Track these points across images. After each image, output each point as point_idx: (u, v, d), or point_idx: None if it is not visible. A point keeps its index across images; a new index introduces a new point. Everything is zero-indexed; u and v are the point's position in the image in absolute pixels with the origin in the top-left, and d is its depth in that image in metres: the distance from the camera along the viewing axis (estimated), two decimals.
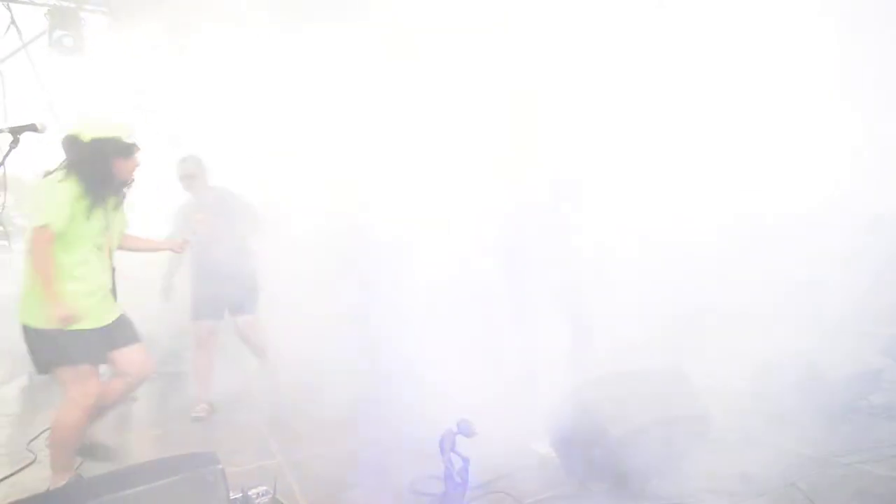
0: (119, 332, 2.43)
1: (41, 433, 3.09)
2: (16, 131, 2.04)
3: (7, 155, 2.07)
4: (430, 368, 3.24)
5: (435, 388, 3.07)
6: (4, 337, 3.11)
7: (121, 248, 2.61)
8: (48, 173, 2.35)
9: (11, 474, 2.74)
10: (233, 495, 1.95)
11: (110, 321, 2.40)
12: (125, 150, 2.36)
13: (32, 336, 2.24)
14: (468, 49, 4.83)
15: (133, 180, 2.49)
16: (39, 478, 2.58)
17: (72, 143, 2.30)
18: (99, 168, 2.28)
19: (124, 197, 2.51)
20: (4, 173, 2.06)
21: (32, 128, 2.11)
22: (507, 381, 3.29)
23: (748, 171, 4.98)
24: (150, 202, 4.05)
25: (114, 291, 2.60)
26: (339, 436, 3.14)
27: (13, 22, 5.36)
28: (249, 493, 2.17)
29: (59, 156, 2.39)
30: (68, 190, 2.23)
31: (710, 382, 2.78)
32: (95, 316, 2.32)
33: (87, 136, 2.28)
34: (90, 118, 2.43)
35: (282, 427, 3.35)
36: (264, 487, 2.29)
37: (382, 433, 3.06)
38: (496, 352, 3.60)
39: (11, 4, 5.34)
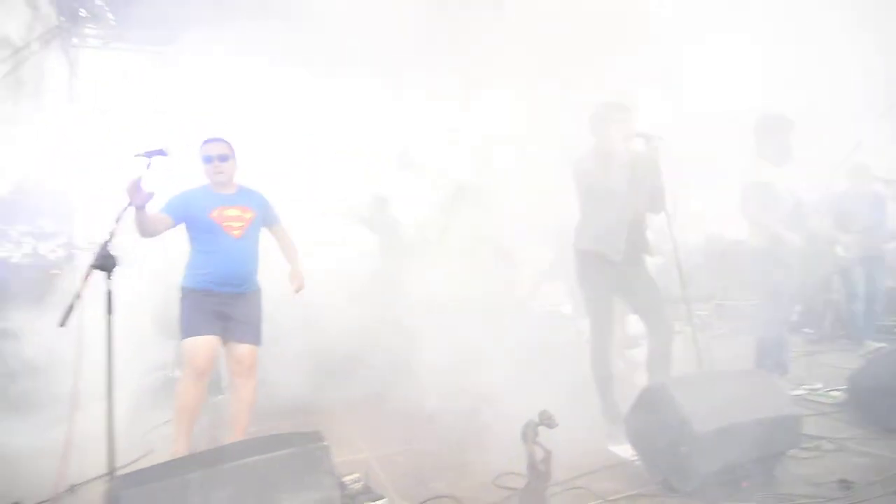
0: None
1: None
2: (150, 154, 2.38)
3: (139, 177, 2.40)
4: (506, 368, 3.33)
5: (511, 388, 3.16)
6: None
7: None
8: None
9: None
10: None
11: None
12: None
13: None
14: None
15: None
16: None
17: None
18: None
19: None
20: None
21: (161, 152, 2.47)
22: (582, 383, 3.31)
23: None
24: None
25: None
26: (422, 433, 3.28)
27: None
28: (344, 479, 2.35)
29: None
30: None
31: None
32: None
33: None
34: None
35: (367, 425, 3.52)
36: (357, 475, 2.46)
37: (464, 431, 3.16)
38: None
39: None
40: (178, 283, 2.84)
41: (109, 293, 2.00)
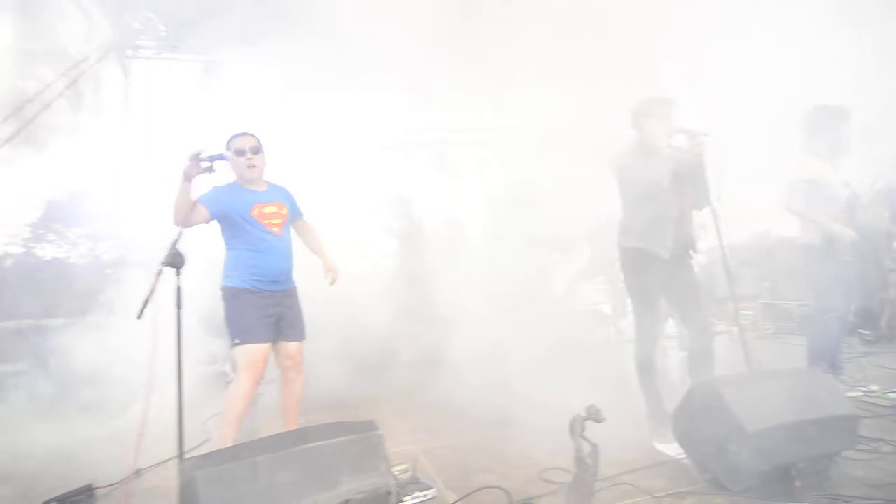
0: None
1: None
2: (213, 159, 2.53)
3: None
4: (544, 365, 3.36)
5: (550, 385, 3.19)
6: None
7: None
8: None
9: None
10: None
11: None
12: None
13: None
14: None
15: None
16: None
17: None
18: None
19: None
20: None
21: (222, 157, 2.62)
22: (622, 381, 3.31)
23: None
24: None
25: None
26: (466, 427, 3.34)
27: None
28: (393, 469, 2.43)
29: None
30: None
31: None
32: None
33: None
34: None
35: (409, 419, 3.61)
36: (405, 466, 2.55)
37: (505, 426, 3.21)
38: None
39: None
40: (220, 284, 2.80)
41: (179, 289, 2.14)
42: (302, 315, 2.98)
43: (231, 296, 2.75)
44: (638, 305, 3.02)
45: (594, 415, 2.07)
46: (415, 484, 2.43)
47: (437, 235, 5.46)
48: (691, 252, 3.02)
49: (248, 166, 2.78)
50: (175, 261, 2.12)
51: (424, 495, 2.36)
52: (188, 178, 2.44)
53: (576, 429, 2.07)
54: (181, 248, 2.15)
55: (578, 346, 5.49)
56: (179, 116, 6.99)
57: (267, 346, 2.75)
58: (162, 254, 2.11)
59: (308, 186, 3.69)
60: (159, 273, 2.06)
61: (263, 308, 2.75)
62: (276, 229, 2.84)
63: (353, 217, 5.31)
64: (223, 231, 2.80)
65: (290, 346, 2.89)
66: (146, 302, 1.96)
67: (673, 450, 2.68)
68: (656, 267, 2.87)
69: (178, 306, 2.13)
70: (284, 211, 2.91)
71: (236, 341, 2.69)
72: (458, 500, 2.24)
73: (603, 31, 4.78)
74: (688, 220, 3.00)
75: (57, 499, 2.48)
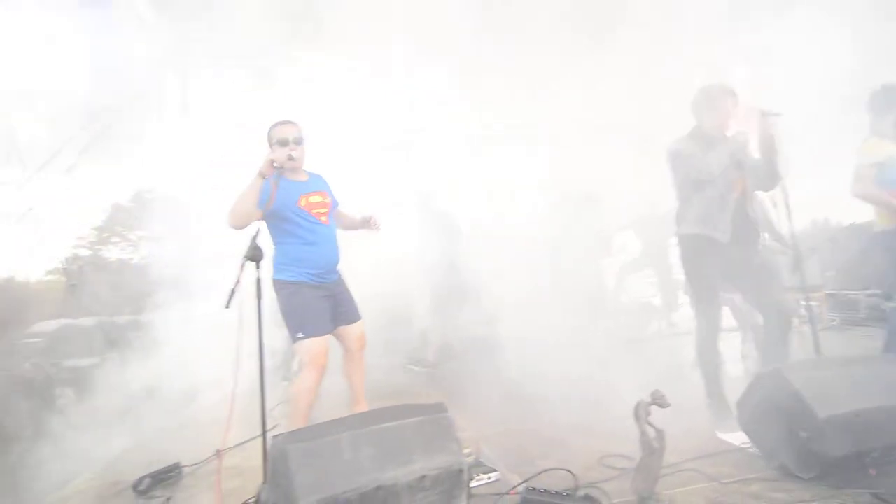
0: None
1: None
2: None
3: None
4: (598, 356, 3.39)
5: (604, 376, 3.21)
6: None
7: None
8: None
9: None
10: None
11: None
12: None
13: None
14: None
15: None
16: None
17: None
18: None
19: None
20: None
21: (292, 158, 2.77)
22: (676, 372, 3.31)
23: None
24: None
25: None
26: (522, 415, 3.42)
27: None
28: None
29: None
30: None
31: None
32: None
33: None
34: None
35: (466, 406, 3.70)
36: (468, 449, 2.63)
37: (561, 414, 3.26)
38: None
39: None
40: (273, 277, 2.77)
41: (259, 280, 2.30)
42: (353, 297, 3.01)
43: (289, 290, 2.73)
44: (699, 292, 3.00)
45: (659, 399, 2.10)
46: (479, 467, 2.52)
47: (487, 226, 5.53)
48: (758, 235, 2.98)
49: (291, 158, 2.69)
50: (255, 254, 2.27)
51: (489, 477, 2.45)
52: (262, 175, 2.53)
53: (641, 414, 2.10)
54: (259, 243, 2.30)
55: (631, 337, 5.47)
56: (233, 120, 7.35)
57: (328, 338, 2.80)
58: (243, 249, 2.27)
59: (359, 183, 3.83)
60: (242, 266, 2.22)
61: (322, 300, 2.80)
62: (323, 219, 2.85)
63: (408, 213, 5.43)
64: (271, 226, 2.75)
65: (355, 328, 2.96)
66: (233, 292, 2.12)
67: (737, 438, 2.66)
68: (715, 252, 2.85)
69: (259, 297, 2.29)
70: (328, 200, 2.91)
71: (300, 335, 2.70)
72: (525, 481, 2.31)
73: (657, 13, 4.72)
74: (751, 203, 2.96)
75: (150, 475, 2.71)
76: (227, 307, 2.09)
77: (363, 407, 2.94)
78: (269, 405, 3.74)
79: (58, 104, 5.74)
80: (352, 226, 3.10)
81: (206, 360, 4.76)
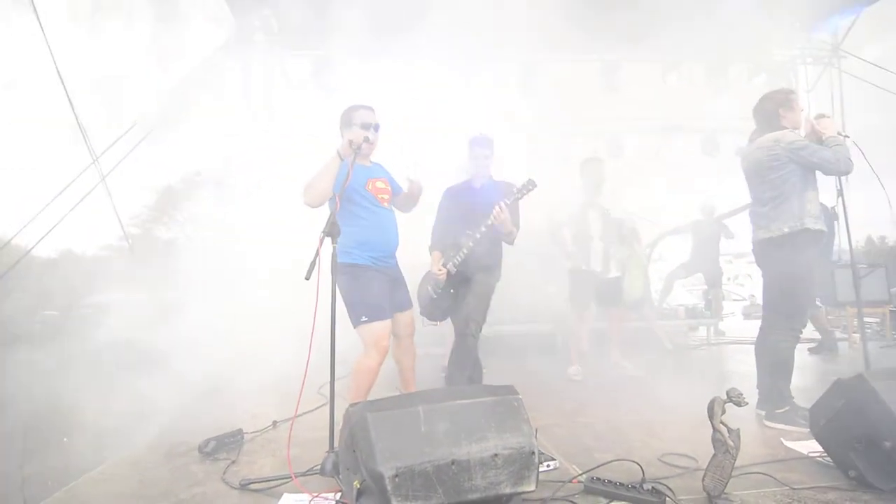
0: None
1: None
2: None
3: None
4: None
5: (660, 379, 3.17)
6: None
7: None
8: None
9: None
10: None
11: None
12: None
13: None
14: None
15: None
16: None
17: None
18: None
19: None
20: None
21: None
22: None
23: None
24: None
25: None
26: (577, 409, 3.41)
27: None
28: None
29: None
30: None
31: None
32: None
33: None
34: None
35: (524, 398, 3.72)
36: None
37: (613, 410, 3.23)
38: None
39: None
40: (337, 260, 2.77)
41: (334, 254, 2.36)
42: (406, 284, 3.07)
43: (353, 273, 2.74)
44: (809, 290, 3.03)
45: (736, 397, 2.05)
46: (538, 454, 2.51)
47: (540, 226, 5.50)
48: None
49: (368, 143, 2.76)
50: (332, 230, 2.34)
51: (548, 466, 2.44)
52: (341, 156, 2.64)
53: (716, 411, 2.05)
54: (337, 220, 2.36)
55: (678, 343, 5.36)
56: (291, 107, 7.52)
57: (389, 323, 2.81)
58: (321, 225, 2.34)
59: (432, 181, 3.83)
60: (322, 240, 2.28)
61: (383, 284, 2.85)
62: (386, 204, 2.91)
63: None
64: (340, 206, 2.70)
65: (405, 315, 3.02)
66: (312, 264, 2.18)
67: (805, 447, 2.58)
68: (818, 243, 2.91)
69: (333, 272, 2.35)
70: (390, 186, 2.98)
71: (364, 318, 2.72)
72: (588, 470, 2.29)
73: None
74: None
75: (215, 438, 2.81)
76: (306, 279, 2.15)
77: (413, 390, 2.99)
78: (319, 382, 3.90)
79: (124, 89, 6.02)
80: (408, 199, 3.06)
81: (249, 338, 4.99)
